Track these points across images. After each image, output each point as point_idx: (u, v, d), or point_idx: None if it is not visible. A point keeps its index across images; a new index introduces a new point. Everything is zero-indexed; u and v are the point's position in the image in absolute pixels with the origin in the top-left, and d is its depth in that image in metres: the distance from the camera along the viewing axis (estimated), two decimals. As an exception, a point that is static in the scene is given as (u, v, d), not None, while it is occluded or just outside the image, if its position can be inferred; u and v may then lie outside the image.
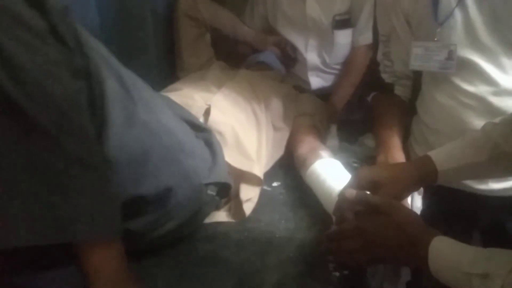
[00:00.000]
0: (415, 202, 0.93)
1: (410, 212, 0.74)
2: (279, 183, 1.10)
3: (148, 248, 0.85)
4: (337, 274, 0.79)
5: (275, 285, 0.79)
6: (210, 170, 0.90)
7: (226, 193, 0.97)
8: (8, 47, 0.55)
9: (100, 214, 0.62)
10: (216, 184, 0.91)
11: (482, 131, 0.76)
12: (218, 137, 0.98)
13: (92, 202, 0.62)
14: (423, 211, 0.91)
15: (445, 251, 0.64)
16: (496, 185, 0.94)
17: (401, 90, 1.10)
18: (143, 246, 0.84)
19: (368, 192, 0.78)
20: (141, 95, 0.77)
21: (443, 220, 1.00)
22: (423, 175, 0.77)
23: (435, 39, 0.92)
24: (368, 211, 0.74)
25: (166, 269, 0.83)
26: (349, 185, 0.80)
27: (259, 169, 1.00)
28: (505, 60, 0.88)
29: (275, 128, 1.13)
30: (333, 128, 1.28)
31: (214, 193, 0.91)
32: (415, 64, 0.96)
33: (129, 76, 0.76)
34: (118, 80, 0.71)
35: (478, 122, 0.85)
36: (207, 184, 0.89)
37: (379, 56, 1.10)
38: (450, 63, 0.91)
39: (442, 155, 0.77)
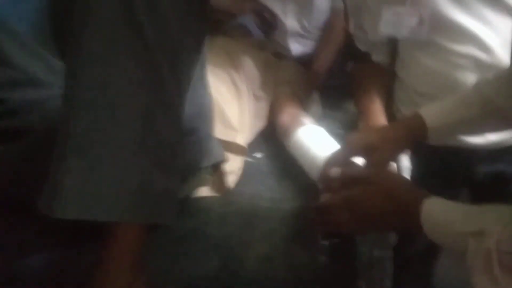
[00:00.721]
0: (403, 162, 0.90)
1: (398, 177, 0.72)
2: (262, 154, 1.06)
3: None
4: (326, 243, 0.76)
5: (262, 258, 0.76)
6: (206, 151, 0.85)
7: (214, 168, 0.93)
8: None
9: None
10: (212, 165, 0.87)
11: (474, 87, 0.73)
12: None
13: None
14: (412, 171, 0.88)
15: (438, 212, 0.61)
16: (494, 137, 0.91)
17: (378, 57, 1.06)
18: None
19: (355, 161, 0.75)
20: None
21: (431, 180, 0.99)
22: (414, 133, 0.75)
23: (407, 3, 0.87)
24: (355, 183, 0.71)
25: (144, 249, 0.80)
26: (341, 153, 0.76)
27: (242, 139, 0.96)
28: (490, 15, 0.84)
29: (256, 98, 1.09)
30: (315, 95, 1.24)
31: (209, 176, 0.87)
32: (385, 30, 0.92)
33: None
34: None
35: (472, 80, 0.82)
36: (204, 167, 0.85)
37: (351, 28, 1.06)
38: (421, 28, 0.87)
39: (432, 112, 0.74)
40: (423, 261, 1.25)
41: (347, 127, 1.11)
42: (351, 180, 0.72)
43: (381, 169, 0.74)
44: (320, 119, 1.13)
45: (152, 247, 0.79)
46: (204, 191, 0.94)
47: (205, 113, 0.76)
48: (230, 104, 1.00)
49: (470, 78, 0.84)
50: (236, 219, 0.86)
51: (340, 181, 0.72)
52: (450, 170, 1.00)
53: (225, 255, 0.77)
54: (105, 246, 0.60)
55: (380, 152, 0.73)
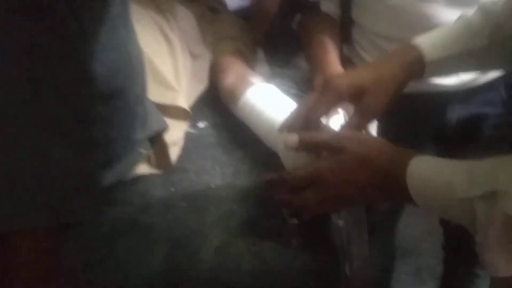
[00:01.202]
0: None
1: (372, 138, 0.59)
2: (205, 123, 0.90)
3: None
4: (296, 221, 0.63)
5: (218, 248, 0.61)
6: (140, 118, 0.68)
7: (154, 140, 0.75)
8: None
9: None
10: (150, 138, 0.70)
11: (479, 12, 0.61)
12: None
13: None
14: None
15: (429, 175, 0.50)
16: (467, 76, 0.86)
17: (328, 6, 0.93)
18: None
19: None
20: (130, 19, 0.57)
21: (400, 132, 0.91)
22: (411, 69, 0.62)
23: None
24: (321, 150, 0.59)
25: (67, 252, 0.62)
26: (317, 103, 0.62)
27: (184, 100, 0.79)
28: None
29: (193, 55, 0.92)
30: (260, 53, 1.08)
31: (146, 151, 0.70)
32: None
33: None
34: None
35: (447, 13, 0.70)
36: (140, 140, 0.68)
37: None
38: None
39: (431, 42, 0.61)
40: (386, 225, 1.18)
41: (300, 85, 0.97)
42: (315, 147, 0.58)
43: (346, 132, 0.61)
44: (268, 79, 0.98)
45: (75, 247, 0.62)
46: (142, 169, 0.77)
47: (133, 68, 0.58)
48: (162, 59, 0.82)
49: (442, 12, 0.73)
50: (182, 203, 0.70)
51: (303, 148, 0.59)
52: (422, 117, 0.93)
53: (172, 248, 0.62)
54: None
55: (373, 95, 0.60)
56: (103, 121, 0.53)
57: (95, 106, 0.51)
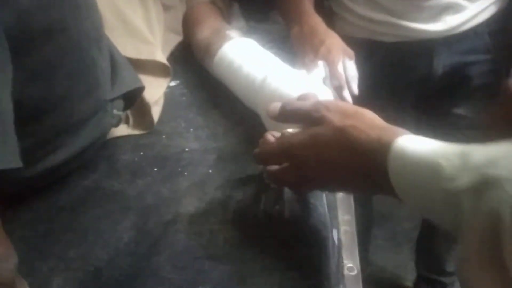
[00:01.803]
0: (349, 70, 0.73)
1: (359, 110, 0.47)
2: (177, 81, 0.82)
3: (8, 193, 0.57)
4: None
5: (193, 216, 0.55)
6: (114, 77, 0.62)
7: (132, 102, 0.68)
8: None
9: None
10: (123, 96, 0.63)
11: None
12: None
13: None
14: (360, 79, 0.74)
15: (414, 156, 0.38)
16: (454, 20, 0.86)
17: None
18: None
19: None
20: None
21: (384, 87, 0.88)
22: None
23: None
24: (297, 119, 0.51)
25: (27, 222, 0.56)
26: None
27: (162, 55, 0.71)
28: None
29: (165, 7, 0.83)
30: (236, 7, 1.00)
31: (121, 112, 0.63)
32: None
33: None
34: None
35: None
36: (113, 100, 0.61)
37: None
38: None
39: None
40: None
41: (278, 40, 0.90)
42: (295, 115, 0.50)
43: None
44: (245, 34, 0.91)
45: (30, 222, 0.56)
46: (119, 131, 0.70)
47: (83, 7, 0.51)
48: (133, 9, 0.73)
49: None
50: (152, 168, 0.64)
51: (283, 118, 0.52)
52: (408, 65, 0.92)
53: (141, 217, 0.56)
54: None
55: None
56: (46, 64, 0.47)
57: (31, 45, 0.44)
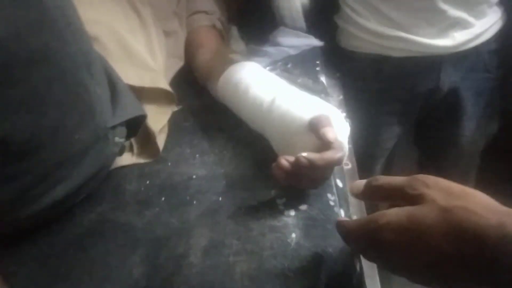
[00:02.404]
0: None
1: (465, 189, 0.39)
2: (180, 106, 0.81)
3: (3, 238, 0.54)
4: (292, 212, 0.55)
5: (206, 248, 0.53)
6: (114, 104, 0.60)
7: (136, 130, 0.66)
8: None
9: None
10: (125, 124, 0.61)
11: None
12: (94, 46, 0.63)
13: None
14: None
15: None
16: (462, 36, 0.88)
17: None
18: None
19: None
20: None
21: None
22: None
23: None
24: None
25: (33, 259, 0.53)
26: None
27: (165, 81, 0.70)
28: None
29: (165, 33, 0.82)
30: (234, 30, 0.99)
31: (123, 140, 0.61)
32: None
33: None
34: None
35: None
36: (114, 128, 0.58)
37: None
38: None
39: None
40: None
41: (279, 62, 0.89)
42: (385, 193, 0.43)
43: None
44: (245, 57, 0.90)
45: (34, 261, 0.53)
46: (124, 160, 0.68)
47: (55, 22, 0.49)
48: (134, 36, 0.71)
49: None
50: (160, 198, 0.61)
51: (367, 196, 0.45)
52: (416, 80, 0.93)
53: (150, 248, 0.54)
54: None
55: None
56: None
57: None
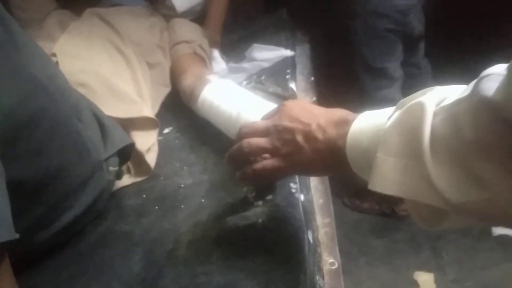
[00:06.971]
0: None
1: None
2: (170, 128, 0.92)
3: (26, 256, 0.65)
4: (260, 202, 0.65)
5: (190, 241, 0.63)
6: (104, 139, 0.71)
7: (127, 156, 0.77)
8: None
9: None
10: (117, 154, 0.72)
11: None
12: (82, 91, 0.75)
13: None
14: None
15: (365, 127, 0.47)
16: None
17: None
18: (20, 255, 0.64)
19: None
20: (26, 42, 0.58)
21: None
22: None
23: None
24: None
25: (50, 270, 0.65)
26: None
27: (149, 110, 0.81)
28: None
29: (150, 65, 0.94)
30: (216, 53, 1.11)
31: (116, 168, 0.72)
32: None
33: (12, 20, 0.57)
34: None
35: None
36: (107, 159, 0.70)
37: None
38: None
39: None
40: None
41: (253, 76, 0.99)
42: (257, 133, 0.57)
43: None
44: (226, 75, 1.01)
45: (54, 272, 0.64)
46: (124, 181, 0.79)
47: (48, 89, 0.60)
48: (120, 75, 0.84)
49: None
50: (154, 207, 0.72)
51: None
52: None
53: (147, 250, 0.64)
54: None
55: None
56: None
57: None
